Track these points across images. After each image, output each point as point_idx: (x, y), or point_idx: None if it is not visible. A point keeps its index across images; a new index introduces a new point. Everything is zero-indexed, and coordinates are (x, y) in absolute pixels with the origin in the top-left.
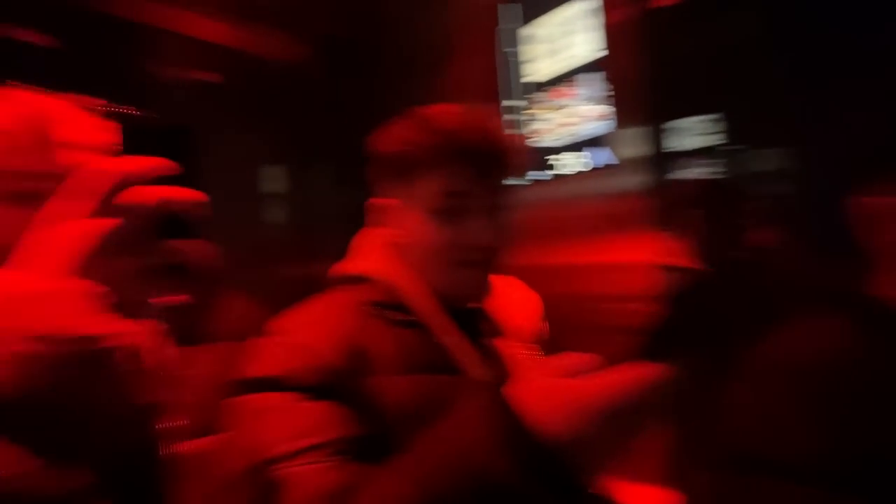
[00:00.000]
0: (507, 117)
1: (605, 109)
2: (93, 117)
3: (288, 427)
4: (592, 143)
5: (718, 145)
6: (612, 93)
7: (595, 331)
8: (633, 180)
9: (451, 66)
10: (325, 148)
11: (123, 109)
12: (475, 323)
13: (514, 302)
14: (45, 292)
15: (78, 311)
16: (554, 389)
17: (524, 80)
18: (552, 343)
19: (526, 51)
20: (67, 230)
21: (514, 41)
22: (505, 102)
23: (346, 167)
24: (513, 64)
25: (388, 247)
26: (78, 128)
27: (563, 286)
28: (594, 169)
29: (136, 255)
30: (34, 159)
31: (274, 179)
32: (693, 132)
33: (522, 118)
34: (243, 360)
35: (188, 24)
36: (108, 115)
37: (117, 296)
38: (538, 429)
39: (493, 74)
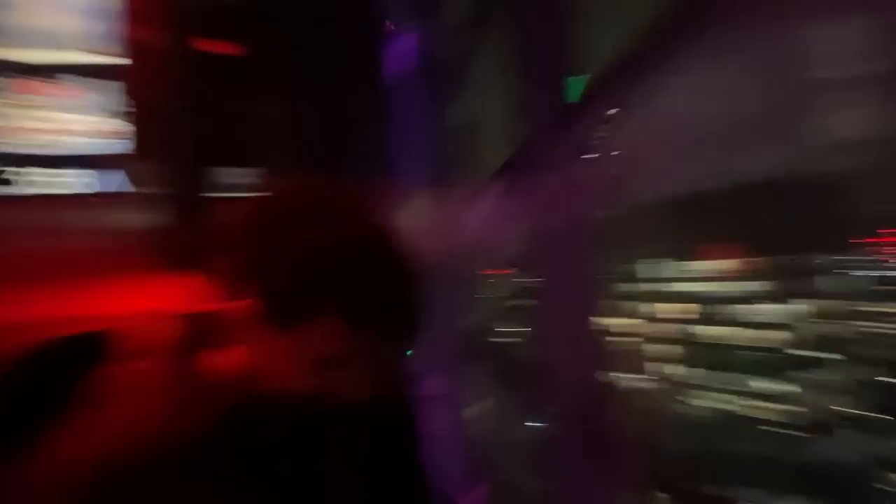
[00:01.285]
0: None
1: (121, 127)
2: None
3: None
4: (98, 162)
5: None
6: (133, 110)
7: None
8: (148, 213)
9: None
10: None
11: None
12: None
13: None
14: None
15: None
16: None
17: None
18: None
19: None
20: None
21: None
22: None
23: None
24: None
25: None
26: None
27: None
28: (99, 194)
29: None
30: None
31: None
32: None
33: None
34: None
35: None
36: None
37: None
38: None
39: None
